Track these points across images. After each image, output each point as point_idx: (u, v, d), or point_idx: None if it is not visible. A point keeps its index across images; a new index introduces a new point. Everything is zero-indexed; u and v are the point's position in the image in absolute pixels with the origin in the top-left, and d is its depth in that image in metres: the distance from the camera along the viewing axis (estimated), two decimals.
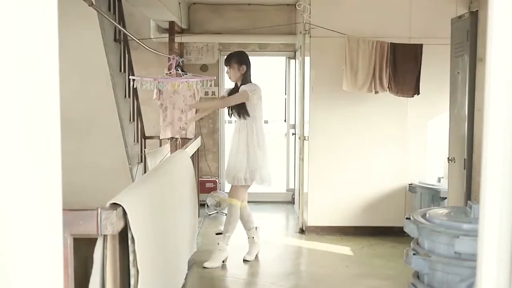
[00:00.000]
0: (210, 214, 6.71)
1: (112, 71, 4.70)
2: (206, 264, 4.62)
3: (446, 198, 4.88)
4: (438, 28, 5.35)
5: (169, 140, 6.00)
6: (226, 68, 4.86)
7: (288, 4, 7.10)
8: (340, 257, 5.00)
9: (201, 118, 7.22)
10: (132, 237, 2.12)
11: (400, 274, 4.34)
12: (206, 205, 6.72)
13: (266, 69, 9.40)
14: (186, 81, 5.23)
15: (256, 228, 4.95)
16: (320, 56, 5.65)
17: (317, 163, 5.72)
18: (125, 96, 5.39)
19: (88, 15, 4.18)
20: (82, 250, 1.94)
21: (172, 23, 6.46)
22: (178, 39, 6.63)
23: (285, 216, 6.77)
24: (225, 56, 4.96)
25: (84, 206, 1.91)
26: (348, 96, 5.52)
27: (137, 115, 5.87)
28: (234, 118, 4.89)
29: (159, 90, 5.48)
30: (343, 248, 5.23)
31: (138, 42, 4.92)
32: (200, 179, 6.30)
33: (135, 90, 5.56)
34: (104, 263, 1.92)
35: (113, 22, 4.50)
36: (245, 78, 4.79)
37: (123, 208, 2.01)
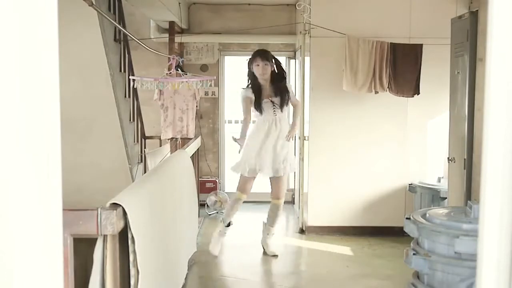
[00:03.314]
0: (210, 214, 6.70)
1: (112, 71, 4.71)
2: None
3: (446, 198, 4.87)
4: (438, 28, 5.34)
5: (169, 140, 6.00)
6: (260, 63, 4.78)
7: (288, 4, 7.09)
8: (340, 257, 5.00)
9: (201, 118, 7.25)
10: (132, 237, 2.12)
11: (400, 274, 4.34)
12: (206, 205, 6.72)
13: None
14: (186, 81, 5.23)
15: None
16: (320, 56, 5.64)
17: (317, 163, 5.72)
18: (125, 96, 5.39)
19: (88, 15, 4.18)
20: (82, 250, 1.94)
21: (172, 23, 6.46)
22: (178, 39, 6.63)
23: (285, 216, 6.76)
24: (258, 51, 4.93)
25: (84, 206, 1.91)
26: (348, 96, 5.52)
27: (137, 115, 5.87)
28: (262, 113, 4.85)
29: (160, 91, 5.48)
30: (343, 248, 5.23)
31: (138, 42, 4.92)
32: (200, 179, 6.29)
33: (135, 90, 5.56)
34: (104, 263, 1.92)
35: (113, 22, 4.50)
36: (276, 77, 4.92)
37: (123, 208, 2.01)
